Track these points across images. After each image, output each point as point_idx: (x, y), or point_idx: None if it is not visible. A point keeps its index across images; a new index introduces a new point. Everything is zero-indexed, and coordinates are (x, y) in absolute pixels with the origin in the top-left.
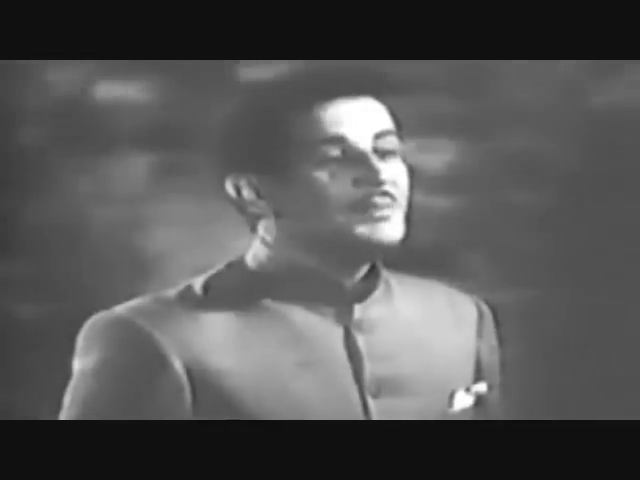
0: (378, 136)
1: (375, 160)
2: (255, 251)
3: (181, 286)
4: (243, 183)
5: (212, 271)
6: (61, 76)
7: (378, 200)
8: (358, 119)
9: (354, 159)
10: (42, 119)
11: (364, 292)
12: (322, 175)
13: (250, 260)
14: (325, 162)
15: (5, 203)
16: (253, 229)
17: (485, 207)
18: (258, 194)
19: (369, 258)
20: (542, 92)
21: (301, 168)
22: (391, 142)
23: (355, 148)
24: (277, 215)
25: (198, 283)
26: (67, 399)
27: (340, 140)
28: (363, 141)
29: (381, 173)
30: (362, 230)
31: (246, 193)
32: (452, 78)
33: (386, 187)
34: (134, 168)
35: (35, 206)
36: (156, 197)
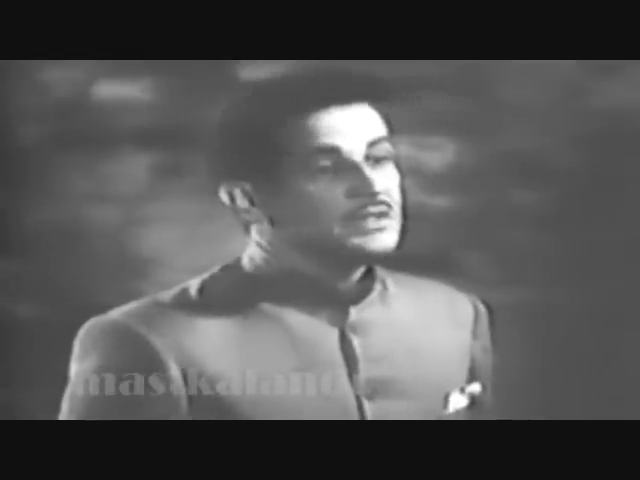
0: (371, 144)
1: (368, 171)
2: (251, 253)
3: (177, 289)
4: (237, 191)
5: (207, 274)
6: (60, 76)
7: (373, 209)
8: (352, 128)
9: (347, 170)
10: (41, 119)
11: (360, 294)
12: (315, 187)
13: (246, 262)
14: (318, 173)
15: (4, 203)
16: (247, 231)
17: (484, 207)
18: (252, 202)
19: (363, 265)
20: (542, 92)
21: (294, 179)
22: (384, 149)
23: (348, 159)
24: (271, 222)
25: (194, 286)
26: (65, 405)
27: (333, 150)
28: (356, 151)
29: (374, 185)
30: (357, 241)
31: (240, 201)
32: (452, 78)
33: (380, 197)
34: (133, 168)
35: (34, 206)
36: (155, 197)
